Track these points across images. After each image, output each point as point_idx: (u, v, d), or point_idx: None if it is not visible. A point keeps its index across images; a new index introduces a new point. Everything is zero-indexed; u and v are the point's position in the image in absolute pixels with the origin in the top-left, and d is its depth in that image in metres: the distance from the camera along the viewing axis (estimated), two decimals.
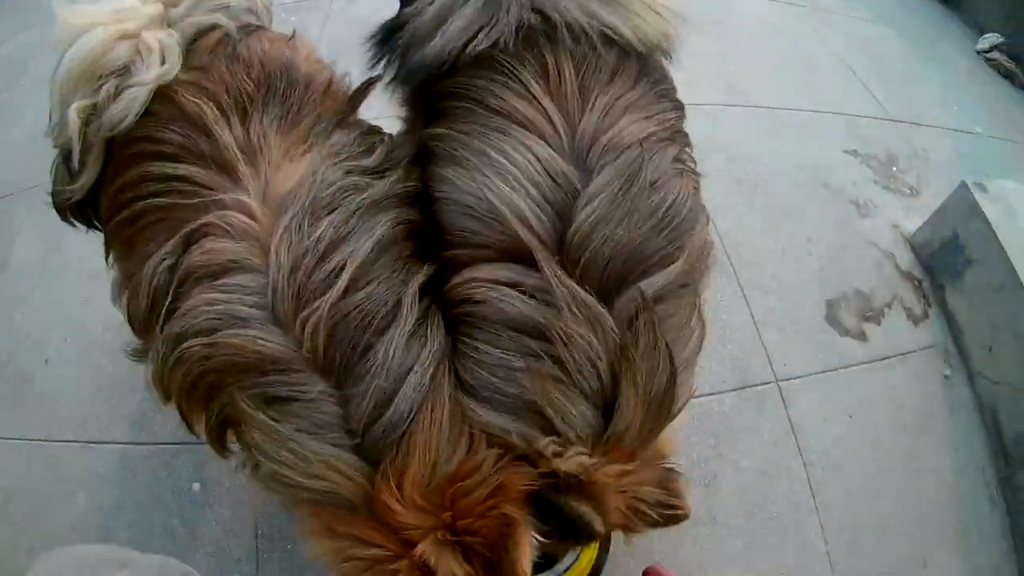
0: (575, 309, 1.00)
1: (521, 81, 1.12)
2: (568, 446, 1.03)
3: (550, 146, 1.07)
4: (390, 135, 1.36)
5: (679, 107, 1.27)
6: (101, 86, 1.22)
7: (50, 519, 1.92)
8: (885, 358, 2.28)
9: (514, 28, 1.15)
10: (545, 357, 1.01)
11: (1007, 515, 2.04)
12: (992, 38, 3.84)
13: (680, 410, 1.13)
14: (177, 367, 1.11)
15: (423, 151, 1.24)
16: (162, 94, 1.23)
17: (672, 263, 1.06)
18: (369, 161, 1.20)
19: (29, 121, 2.81)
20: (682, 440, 1.91)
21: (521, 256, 1.05)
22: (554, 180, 1.05)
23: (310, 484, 1.02)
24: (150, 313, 1.17)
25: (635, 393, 1.02)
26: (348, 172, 1.16)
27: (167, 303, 1.12)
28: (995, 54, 3.76)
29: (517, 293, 1.03)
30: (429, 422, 1.02)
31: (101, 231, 1.40)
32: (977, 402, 2.24)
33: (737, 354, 2.20)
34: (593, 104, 1.10)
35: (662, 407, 1.07)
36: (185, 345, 1.08)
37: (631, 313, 1.01)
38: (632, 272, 1.04)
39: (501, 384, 1.05)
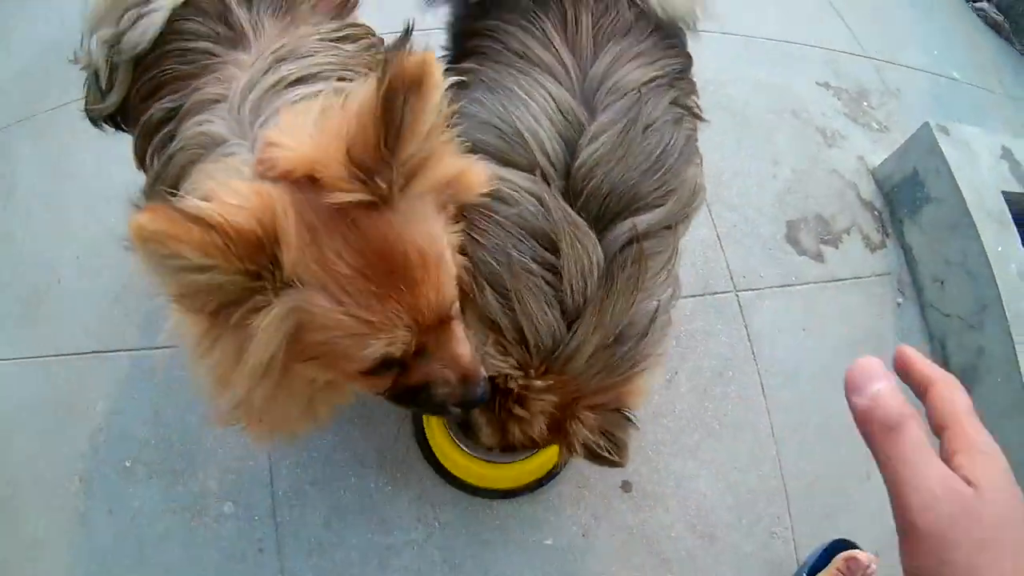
0: (575, 232, 1.16)
1: (543, 29, 1.31)
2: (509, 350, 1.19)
3: (563, 87, 1.24)
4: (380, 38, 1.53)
5: (686, 57, 1.44)
6: (123, 16, 1.42)
7: (73, 428, 2.09)
8: (840, 279, 2.52)
9: None
10: (544, 263, 1.17)
11: None
12: None
13: (653, 359, 1.28)
14: (171, 160, 1.28)
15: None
16: (185, 6, 1.42)
17: (660, 206, 1.22)
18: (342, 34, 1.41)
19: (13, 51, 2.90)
20: None
21: (543, 171, 1.21)
22: (565, 118, 1.22)
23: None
24: (147, 144, 1.37)
25: (596, 319, 1.16)
26: (319, 40, 1.36)
27: (165, 133, 1.33)
28: (984, 4, 3.95)
29: (538, 203, 1.18)
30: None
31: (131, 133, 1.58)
32: (927, 331, 2.47)
33: (699, 263, 2.43)
34: (604, 52, 1.28)
35: (623, 342, 1.21)
36: (170, 155, 1.27)
37: (619, 246, 1.18)
38: (625, 211, 1.20)
39: (501, 273, 1.18)
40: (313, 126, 0.95)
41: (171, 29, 1.42)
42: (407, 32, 1.16)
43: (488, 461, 1.97)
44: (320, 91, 1.14)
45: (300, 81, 1.26)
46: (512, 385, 1.21)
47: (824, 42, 3.16)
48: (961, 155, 2.45)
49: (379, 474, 2.08)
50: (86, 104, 1.64)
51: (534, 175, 1.20)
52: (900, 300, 2.51)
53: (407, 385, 1.06)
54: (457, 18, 1.52)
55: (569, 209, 1.17)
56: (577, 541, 2.02)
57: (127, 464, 2.07)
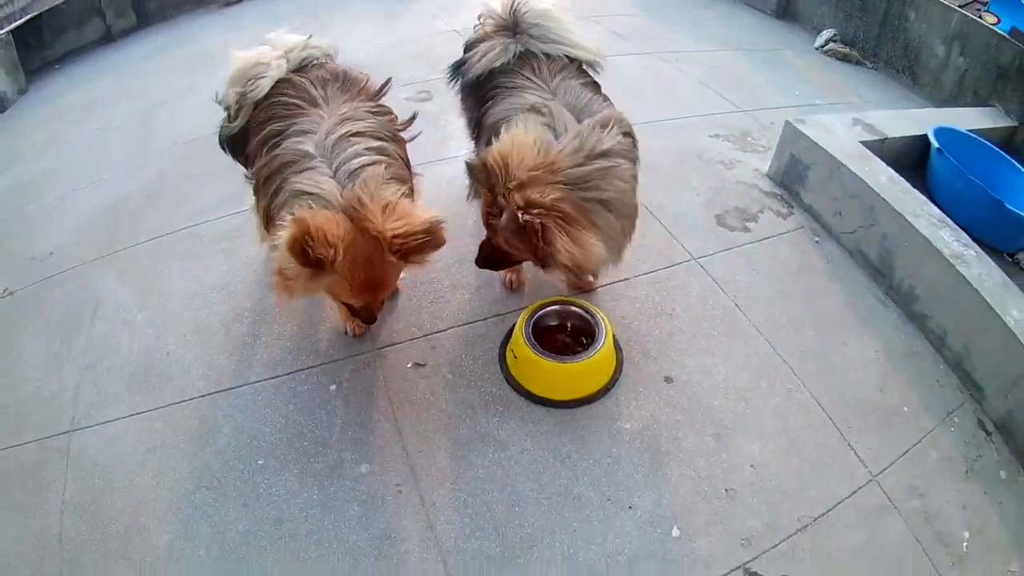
0: (564, 117, 2.69)
1: (522, 74, 2.85)
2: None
3: (536, 95, 2.70)
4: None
5: (595, 83, 2.99)
6: (248, 81, 2.85)
7: (200, 453, 2.83)
8: (768, 238, 3.76)
9: (516, 55, 2.94)
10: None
11: (899, 308, 3.39)
12: (826, 33, 5.68)
13: (602, 223, 2.54)
14: (266, 167, 2.50)
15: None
16: (282, 81, 2.84)
17: (602, 113, 2.60)
18: (377, 111, 2.84)
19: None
20: (644, 304, 3.36)
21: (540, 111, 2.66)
22: (546, 95, 2.75)
23: (313, 191, 2.30)
24: (262, 145, 2.70)
25: (573, 135, 2.58)
26: (365, 110, 2.78)
27: (275, 141, 2.65)
28: (831, 45, 5.54)
29: (556, 111, 2.69)
30: (372, 170, 2.45)
31: (241, 159, 3.05)
32: (844, 250, 3.67)
33: (662, 249, 3.68)
34: (556, 79, 2.80)
35: (592, 161, 2.53)
36: (276, 154, 2.58)
37: (587, 126, 2.54)
38: (584, 117, 2.65)
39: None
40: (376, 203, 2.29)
41: (275, 90, 2.82)
42: (412, 118, 2.99)
43: (561, 362, 2.93)
44: (370, 148, 2.55)
45: (356, 134, 2.59)
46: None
47: (707, 111, 4.84)
48: (818, 131, 3.88)
49: (486, 411, 2.95)
50: (220, 130, 3.13)
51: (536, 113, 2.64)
52: (817, 239, 3.76)
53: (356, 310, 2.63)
54: (474, 84, 3.17)
55: (563, 110, 2.59)
56: (648, 422, 2.91)
57: (260, 462, 2.79)
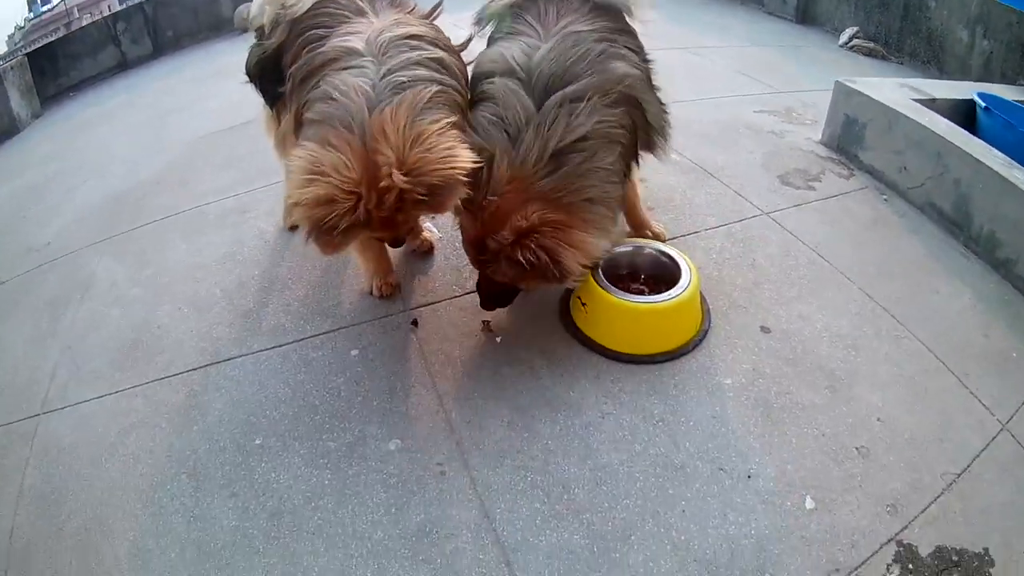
0: (516, 99, 1.82)
1: (525, 19, 2.02)
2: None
3: (532, 38, 1.92)
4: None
5: (621, 23, 2.10)
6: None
7: (185, 432, 2.04)
8: (835, 196, 2.96)
9: None
10: (497, 117, 1.84)
11: (981, 260, 2.59)
12: (849, 31, 5.04)
13: (598, 215, 1.88)
14: (305, 65, 1.87)
15: None
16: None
17: (581, 81, 1.81)
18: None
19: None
20: (720, 254, 2.55)
21: (512, 73, 1.87)
22: (530, 48, 1.89)
23: (343, 101, 1.68)
24: (302, 47, 1.96)
25: (533, 135, 1.79)
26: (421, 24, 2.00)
27: (316, 44, 1.91)
28: (855, 42, 4.92)
29: (510, 88, 1.84)
30: (416, 91, 1.71)
31: (266, 92, 2.25)
32: (915, 207, 2.89)
33: (727, 204, 2.88)
34: (561, 20, 1.96)
35: (565, 157, 1.81)
36: (316, 52, 1.86)
37: (555, 104, 1.78)
38: (559, 86, 1.81)
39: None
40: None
41: (318, 5, 2.02)
42: (469, 40, 2.13)
43: (644, 303, 2.08)
44: (429, 59, 1.82)
45: (414, 37, 1.86)
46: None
47: (746, 92, 4.09)
48: (869, 88, 3.14)
49: (550, 371, 2.08)
50: (248, 61, 2.27)
51: (507, 77, 1.86)
52: (885, 197, 2.97)
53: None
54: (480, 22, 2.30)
55: (517, 89, 1.82)
56: (751, 376, 2.05)
57: (257, 442, 1.95)
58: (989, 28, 4.23)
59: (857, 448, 1.85)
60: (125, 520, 1.79)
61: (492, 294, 2.04)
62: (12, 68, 5.12)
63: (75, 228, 3.31)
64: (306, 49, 1.90)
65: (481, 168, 1.73)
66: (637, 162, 2.10)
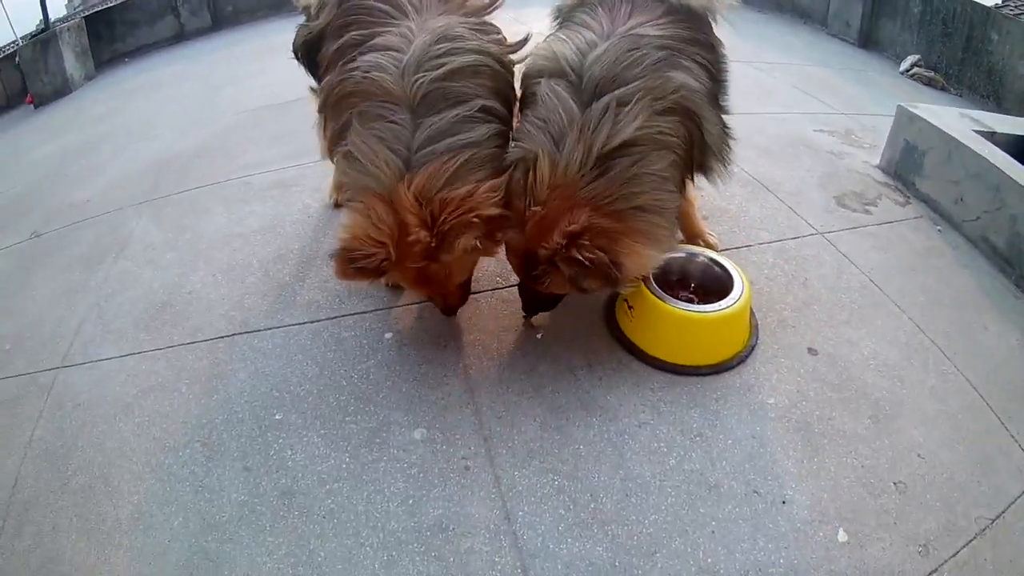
0: (561, 105, 1.71)
1: (596, 12, 1.92)
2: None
3: (594, 34, 1.82)
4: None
5: (699, 32, 1.96)
6: None
7: (206, 395, 2.01)
8: (889, 222, 2.84)
9: None
10: (542, 120, 1.74)
11: None
12: (911, 59, 4.92)
13: (653, 225, 1.76)
14: (340, 86, 1.82)
15: None
16: None
17: (632, 83, 1.71)
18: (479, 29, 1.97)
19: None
20: (772, 270, 2.45)
21: (563, 75, 1.78)
22: (586, 47, 1.79)
23: (369, 169, 1.67)
24: (338, 54, 1.90)
25: (577, 137, 1.67)
26: (467, 28, 1.90)
27: (352, 54, 1.85)
28: (916, 70, 4.80)
29: (555, 91, 1.74)
30: (444, 161, 1.64)
31: (313, 72, 2.21)
32: (969, 240, 2.76)
33: (783, 222, 2.77)
34: (628, 21, 1.86)
35: (612, 162, 1.68)
36: (351, 73, 1.79)
37: (602, 107, 1.67)
38: (609, 88, 1.70)
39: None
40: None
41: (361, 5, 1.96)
42: (525, 39, 1.99)
43: (694, 312, 1.99)
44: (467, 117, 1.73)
45: (449, 52, 1.78)
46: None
47: (806, 110, 3.98)
48: (930, 115, 3.02)
49: (589, 373, 2.01)
50: (295, 40, 2.27)
51: (556, 78, 1.77)
52: (939, 228, 2.84)
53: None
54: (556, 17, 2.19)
55: (562, 92, 1.72)
56: (795, 398, 1.95)
57: (277, 417, 1.90)
58: None
59: (895, 483, 1.76)
60: (131, 482, 1.75)
61: (534, 302, 1.97)
62: (69, 30, 5.18)
63: (117, 188, 3.31)
64: (342, 61, 1.87)
65: (525, 176, 1.67)
66: (692, 178, 1.98)
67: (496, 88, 1.84)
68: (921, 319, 2.29)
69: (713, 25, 2.10)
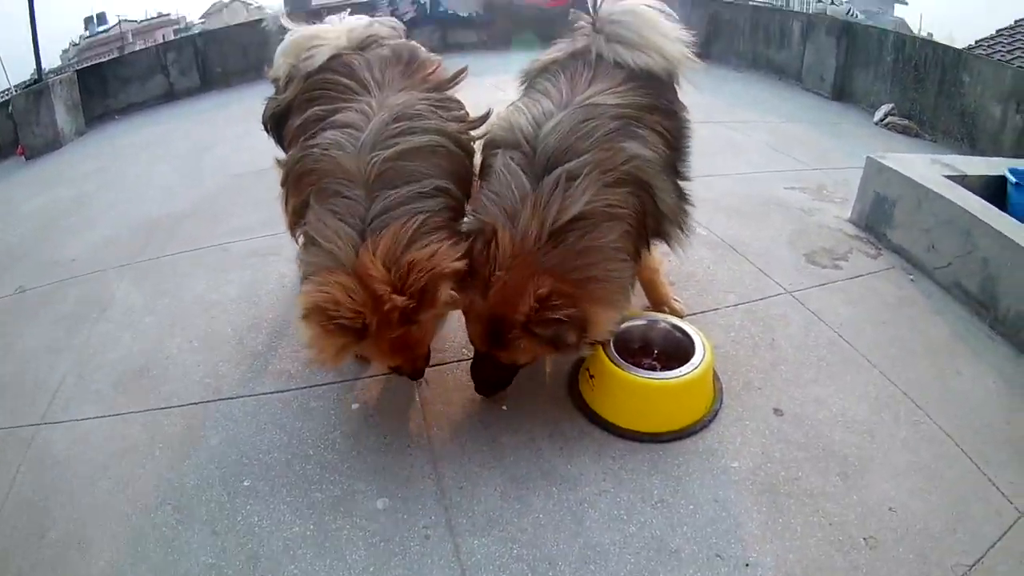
0: (512, 179, 1.77)
1: (557, 78, 1.99)
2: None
3: (552, 103, 1.88)
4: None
5: (660, 98, 2.01)
6: (302, 53, 2.12)
7: (179, 459, 2.03)
8: (860, 275, 2.87)
9: (570, 54, 2.11)
10: (497, 195, 1.79)
11: (1008, 342, 2.47)
12: (885, 108, 5.02)
13: (609, 291, 1.80)
14: (300, 162, 1.89)
15: None
16: (337, 57, 2.09)
17: (583, 155, 1.76)
18: (440, 106, 2.01)
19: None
20: (739, 333, 2.46)
21: (517, 146, 1.83)
22: (542, 117, 1.84)
23: (324, 247, 1.70)
24: (301, 129, 1.97)
25: (531, 212, 1.72)
26: (427, 105, 1.95)
27: (313, 130, 1.90)
28: (890, 119, 4.88)
29: (507, 166, 1.80)
30: (403, 223, 1.68)
31: (282, 143, 2.24)
32: (942, 287, 2.78)
33: (750, 283, 2.80)
34: (590, 88, 1.91)
35: (565, 235, 1.73)
36: (311, 150, 1.85)
37: (553, 180, 1.73)
38: (561, 161, 1.75)
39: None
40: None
41: (328, 64, 2.08)
42: (486, 115, 2.03)
43: (654, 379, 2.00)
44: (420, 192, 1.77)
45: (405, 132, 1.83)
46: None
47: (778, 168, 4.07)
48: (899, 164, 3.08)
49: (551, 443, 2.01)
50: (264, 111, 2.34)
51: (511, 149, 1.82)
52: (911, 277, 2.86)
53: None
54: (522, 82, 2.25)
55: (514, 167, 1.77)
56: (760, 460, 1.95)
57: (246, 483, 1.92)
58: (1022, 103, 4.17)
59: (865, 539, 1.73)
60: (105, 540, 1.77)
61: (491, 379, 1.97)
62: (61, 83, 5.30)
63: (102, 248, 3.39)
64: (304, 137, 1.93)
65: (485, 246, 1.71)
66: (648, 246, 2.00)
67: (451, 169, 1.88)
68: (892, 371, 2.29)
69: (677, 89, 2.15)
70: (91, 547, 1.76)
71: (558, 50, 2.18)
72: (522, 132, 1.83)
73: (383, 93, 1.94)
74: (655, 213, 1.91)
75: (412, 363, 1.89)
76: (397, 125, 1.81)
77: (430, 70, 2.11)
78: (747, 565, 1.66)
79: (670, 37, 2.09)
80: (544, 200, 1.70)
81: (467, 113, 2.07)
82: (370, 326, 1.64)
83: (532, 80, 2.13)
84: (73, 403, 2.27)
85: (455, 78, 2.12)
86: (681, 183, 2.02)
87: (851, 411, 2.13)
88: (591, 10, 2.13)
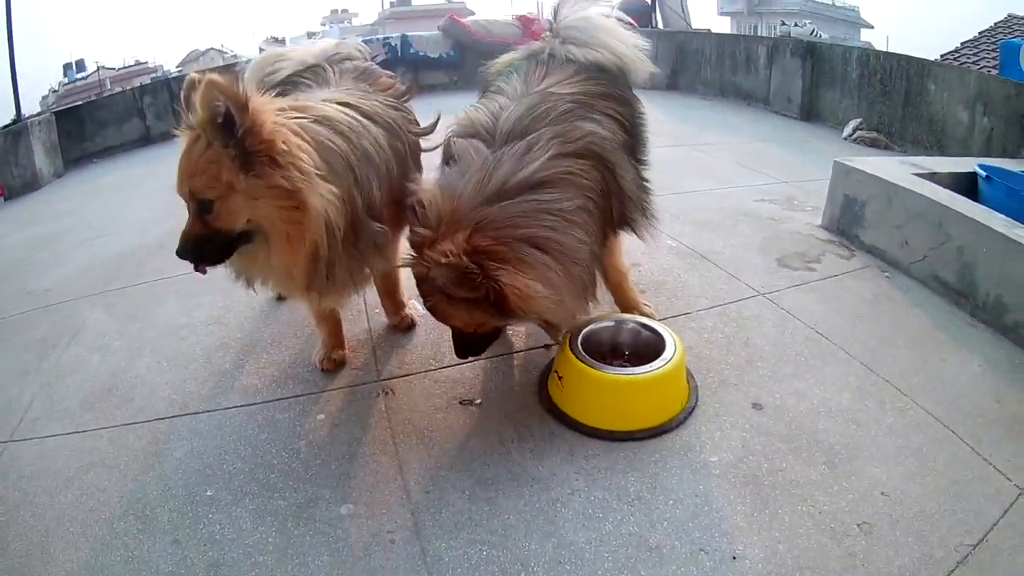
0: (472, 150, 1.76)
1: (510, 79, 2.01)
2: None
3: (507, 98, 1.90)
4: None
5: (613, 87, 2.04)
6: (267, 67, 2.20)
7: (143, 471, 1.97)
8: (835, 276, 2.84)
9: (525, 55, 2.15)
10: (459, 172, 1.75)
11: (990, 328, 2.44)
12: (853, 123, 5.05)
13: (534, 266, 1.70)
14: None
15: None
16: (303, 70, 2.15)
17: (540, 130, 1.76)
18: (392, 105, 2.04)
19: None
20: (712, 334, 2.42)
21: (476, 135, 1.82)
22: (499, 110, 1.85)
23: None
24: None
25: (477, 175, 1.70)
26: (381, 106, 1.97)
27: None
28: (858, 133, 4.90)
29: (469, 144, 1.78)
30: None
31: None
32: (918, 281, 2.75)
33: (722, 287, 2.76)
34: (543, 83, 1.94)
35: (505, 196, 1.70)
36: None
37: (510, 149, 1.72)
38: (519, 138, 1.73)
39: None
40: None
41: (294, 75, 2.13)
42: (436, 121, 2.09)
43: (625, 375, 1.94)
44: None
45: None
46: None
47: (748, 183, 4.09)
48: (867, 166, 3.08)
49: (520, 445, 1.93)
50: None
51: (473, 139, 1.80)
52: (887, 275, 2.83)
53: None
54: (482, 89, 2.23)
55: (476, 144, 1.77)
56: (740, 453, 1.87)
57: (208, 493, 1.85)
58: (988, 104, 4.21)
59: (859, 525, 1.65)
60: (66, 551, 1.71)
61: (465, 343, 1.89)
62: (39, 124, 5.30)
63: (75, 279, 3.36)
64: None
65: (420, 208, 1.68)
66: (614, 231, 1.97)
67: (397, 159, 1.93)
68: (873, 362, 2.24)
69: (629, 83, 2.16)
70: (53, 558, 1.69)
71: (514, 53, 2.21)
72: (481, 124, 1.82)
73: (340, 84, 2.01)
74: (618, 193, 1.87)
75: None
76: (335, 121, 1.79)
77: (387, 85, 2.16)
78: (734, 558, 1.57)
79: (621, 39, 2.13)
80: (496, 162, 1.67)
81: (415, 120, 2.15)
82: None
83: (488, 83, 2.15)
84: (40, 422, 2.22)
85: (406, 93, 2.17)
86: (640, 168, 2.01)
87: (833, 401, 2.06)
88: (551, 20, 2.19)
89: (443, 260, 1.59)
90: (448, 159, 1.86)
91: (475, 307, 1.67)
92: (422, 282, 1.73)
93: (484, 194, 1.65)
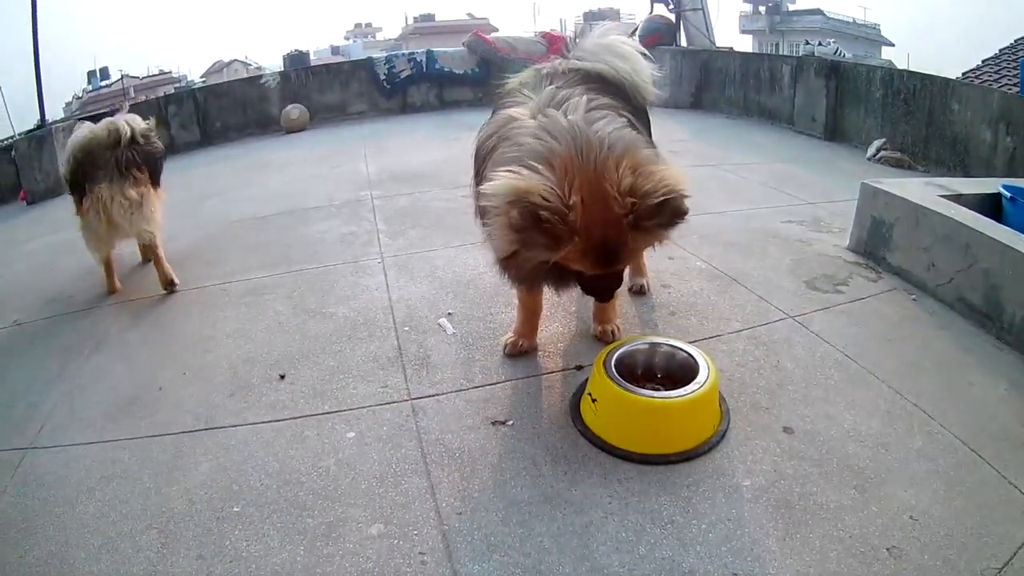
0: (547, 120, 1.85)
1: (526, 90, 2.06)
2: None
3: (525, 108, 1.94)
4: None
5: (622, 100, 2.13)
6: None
7: (166, 484, 1.98)
8: (862, 298, 2.84)
9: (534, 74, 2.20)
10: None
11: (1016, 351, 2.42)
12: (877, 143, 5.04)
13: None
14: None
15: None
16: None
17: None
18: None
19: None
20: (743, 357, 2.43)
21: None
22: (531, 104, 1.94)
23: None
24: None
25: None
26: None
27: None
28: (882, 153, 4.90)
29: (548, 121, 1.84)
30: None
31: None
32: (945, 304, 2.74)
33: (752, 310, 2.76)
34: (564, 90, 1.98)
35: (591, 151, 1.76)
36: None
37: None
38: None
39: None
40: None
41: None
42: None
43: (659, 398, 1.93)
44: None
45: None
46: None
47: (775, 204, 4.11)
48: (894, 187, 3.09)
49: (554, 467, 1.93)
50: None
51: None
52: (913, 297, 2.83)
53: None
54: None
55: (553, 112, 1.85)
56: (772, 477, 1.86)
57: (235, 509, 1.85)
58: (1012, 123, 4.20)
59: (888, 549, 1.64)
60: (87, 563, 1.71)
61: (617, 282, 1.96)
62: (62, 130, 5.35)
63: (98, 286, 3.42)
64: None
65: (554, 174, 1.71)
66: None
67: None
68: (901, 386, 2.23)
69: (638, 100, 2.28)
70: (73, 568, 1.70)
71: (524, 72, 2.26)
72: (518, 114, 1.91)
73: None
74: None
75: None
76: None
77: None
78: None
79: (630, 60, 2.26)
80: (580, 127, 1.75)
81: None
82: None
83: (503, 98, 2.16)
84: (61, 429, 2.24)
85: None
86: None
87: (863, 425, 2.06)
88: (568, 47, 2.33)
89: (631, 199, 1.67)
90: (500, 142, 1.90)
91: (657, 227, 1.73)
92: (608, 238, 1.73)
93: (583, 135, 1.73)
